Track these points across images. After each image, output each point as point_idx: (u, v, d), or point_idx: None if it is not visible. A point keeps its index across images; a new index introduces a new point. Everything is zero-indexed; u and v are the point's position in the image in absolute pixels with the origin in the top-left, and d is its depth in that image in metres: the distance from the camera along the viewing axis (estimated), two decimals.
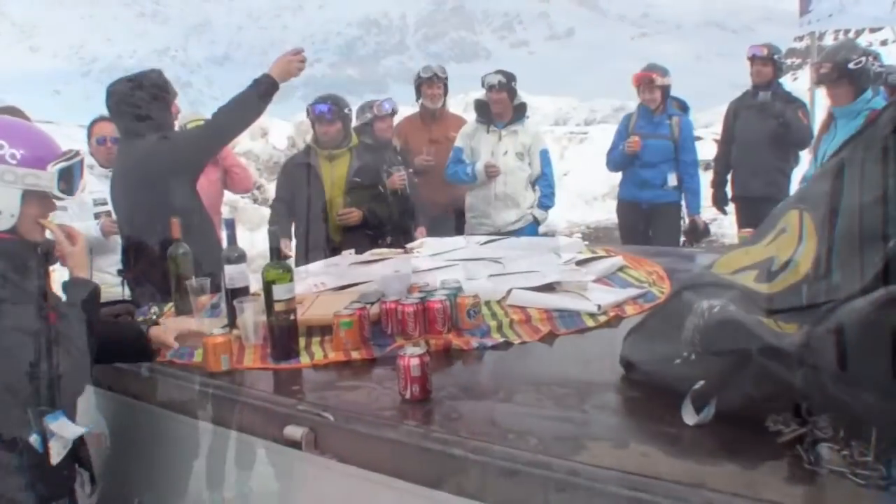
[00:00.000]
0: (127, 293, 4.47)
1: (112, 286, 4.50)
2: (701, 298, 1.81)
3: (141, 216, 3.79)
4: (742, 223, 6.49)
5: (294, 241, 5.21)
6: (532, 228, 5.89)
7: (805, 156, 6.24)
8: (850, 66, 4.14)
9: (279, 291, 2.45)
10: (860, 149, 1.86)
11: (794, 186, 6.43)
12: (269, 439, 2.10)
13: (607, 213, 11.45)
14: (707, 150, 8.87)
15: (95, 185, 4.68)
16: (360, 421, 1.96)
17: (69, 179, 2.25)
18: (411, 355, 2.04)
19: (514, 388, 2.11)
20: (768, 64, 6.18)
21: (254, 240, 8.11)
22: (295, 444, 1.99)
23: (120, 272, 4.28)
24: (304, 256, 5.06)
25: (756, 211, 6.11)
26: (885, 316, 1.42)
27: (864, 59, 4.17)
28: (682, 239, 6.34)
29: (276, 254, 2.55)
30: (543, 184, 5.90)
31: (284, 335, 2.48)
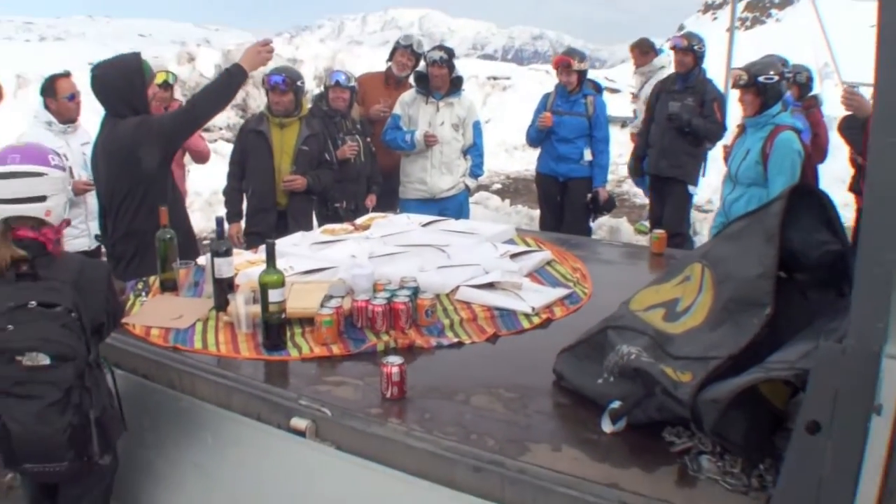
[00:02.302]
0: (92, 244, 4.93)
1: (76, 238, 4.92)
2: (622, 341, 2.40)
3: (121, 190, 4.16)
4: (652, 198, 7.16)
5: (245, 203, 5.62)
6: (464, 195, 6.44)
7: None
8: (760, 79, 4.64)
9: (274, 294, 2.94)
10: (754, 224, 2.46)
11: (710, 165, 7.09)
12: (274, 426, 2.62)
13: (526, 164, 11.98)
14: None
15: (53, 140, 4.94)
16: (354, 417, 2.50)
17: None
18: (392, 364, 2.58)
19: (471, 390, 2.65)
20: (689, 54, 6.73)
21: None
22: (300, 433, 2.52)
23: (98, 237, 4.66)
24: (254, 216, 5.52)
25: (663, 188, 6.81)
26: (746, 399, 2.00)
27: (776, 77, 4.67)
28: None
29: (272, 262, 3.00)
30: (475, 153, 6.42)
31: (275, 330, 2.98)
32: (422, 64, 6.38)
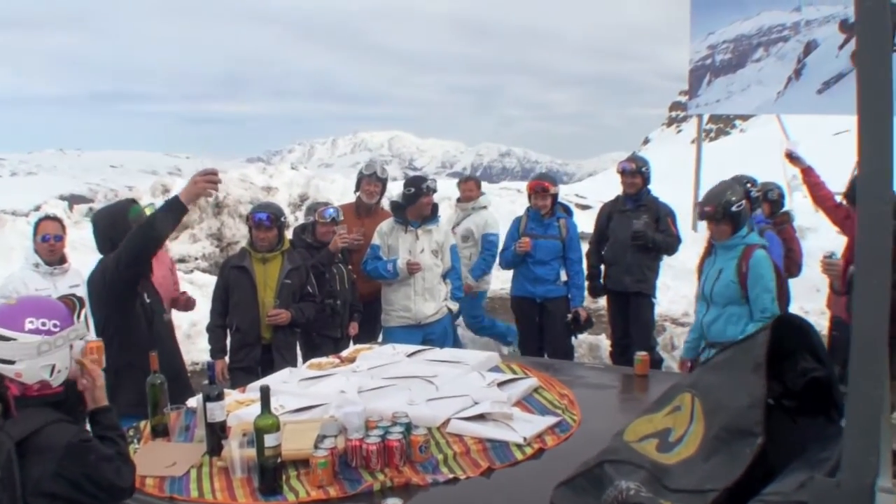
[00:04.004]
0: None
1: None
2: (620, 475, 2.44)
3: (98, 325, 4.27)
4: (613, 313, 7.29)
5: (229, 338, 5.64)
6: (448, 318, 6.52)
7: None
8: (733, 209, 4.81)
9: (269, 439, 2.95)
10: (740, 354, 2.54)
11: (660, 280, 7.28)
12: None
13: (502, 283, 12.07)
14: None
15: (41, 282, 5.01)
16: None
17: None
18: None
19: None
20: (637, 175, 6.98)
21: None
22: None
23: None
24: (239, 351, 5.54)
25: (627, 303, 6.96)
26: None
27: (743, 202, 4.85)
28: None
29: (267, 406, 3.03)
30: (454, 276, 6.54)
31: (271, 474, 2.98)
32: (396, 192, 6.52)
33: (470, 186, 7.82)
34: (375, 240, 6.32)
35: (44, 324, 2.59)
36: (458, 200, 7.72)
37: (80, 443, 2.49)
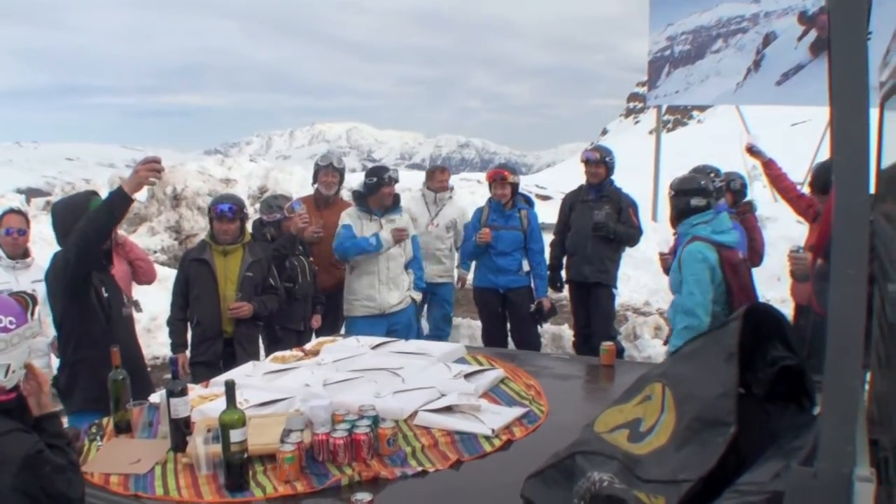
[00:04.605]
0: None
1: None
2: (592, 467, 2.41)
3: (55, 321, 4.24)
4: (575, 303, 7.33)
5: (190, 332, 5.56)
6: (412, 308, 6.48)
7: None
8: (692, 202, 4.83)
9: (235, 434, 2.90)
10: (711, 343, 2.53)
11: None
12: None
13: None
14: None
15: (2, 275, 4.95)
16: None
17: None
18: (361, 500, 2.55)
19: None
20: (601, 165, 7.03)
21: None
22: None
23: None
24: (200, 345, 5.45)
25: (588, 294, 7.00)
26: None
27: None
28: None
29: (233, 401, 2.97)
30: (416, 266, 6.52)
31: (237, 470, 2.92)
32: (356, 182, 6.45)
33: (445, 176, 7.62)
34: (345, 220, 6.21)
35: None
36: (430, 190, 7.43)
37: (36, 454, 2.39)
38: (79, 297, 4.25)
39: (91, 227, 4.11)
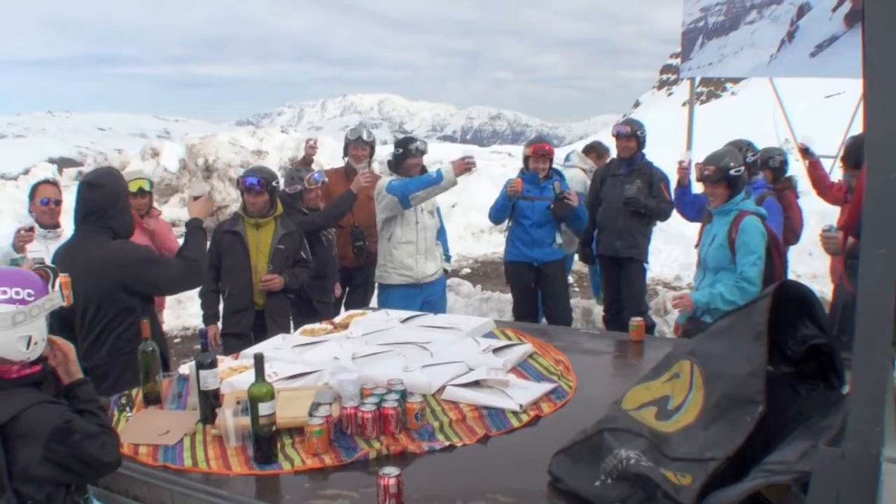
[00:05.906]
0: None
1: None
2: (620, 444, 2.42)
3: (107, 312, 4.12)
4: (605, 278, 7.30)
5: (222, 304, 5.61)
6: (443, 280, 6.48)
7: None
8: (731, 172, 4.79)
9: (264, 408, 2.92)
10: (741, 321, 2.51)
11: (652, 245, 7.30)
12: None
13: (494, 247, 12.08)
14: None
15: (34, 244, 4.99)
16: None
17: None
18: (389, 475, 2.56)
19: (468, 496, 2.64)
20: (632, 139, 6.95)
21: None
22: None
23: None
24: (231, 317, 5.51)
25: (619, 268, 6.97)
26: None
27: (742, 167, 4.83)
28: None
29: (262, 374, 3.00)
30: (443, 238, 6.52)
31: (266, 443, 2.96)
32: (388, 150, 6.43)
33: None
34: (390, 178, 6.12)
35: (17, 293, 2.52)
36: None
37: (64, 424, 2.45)
38: (134, 292, 4.24)
39: (192, 261, 4.40)
